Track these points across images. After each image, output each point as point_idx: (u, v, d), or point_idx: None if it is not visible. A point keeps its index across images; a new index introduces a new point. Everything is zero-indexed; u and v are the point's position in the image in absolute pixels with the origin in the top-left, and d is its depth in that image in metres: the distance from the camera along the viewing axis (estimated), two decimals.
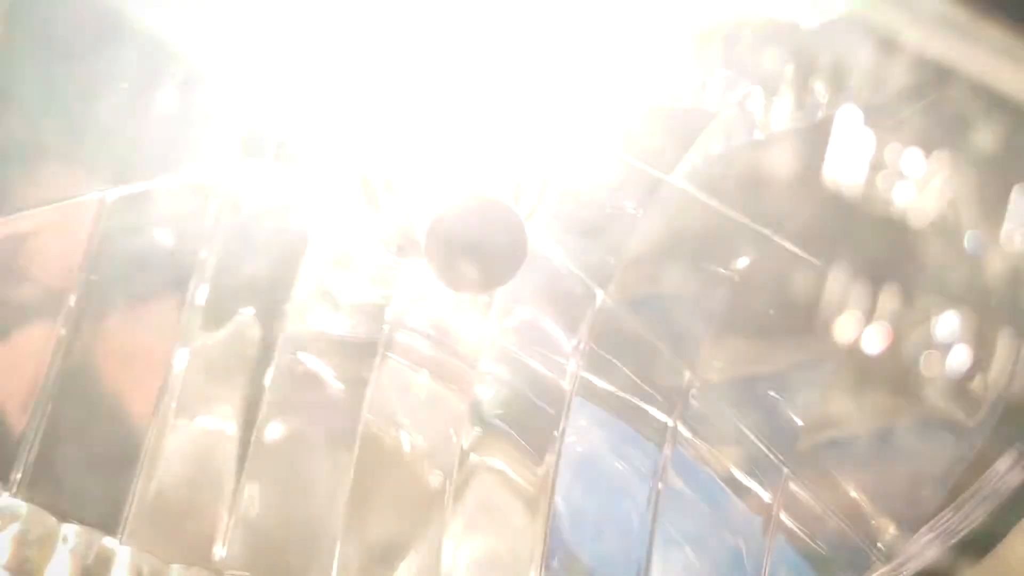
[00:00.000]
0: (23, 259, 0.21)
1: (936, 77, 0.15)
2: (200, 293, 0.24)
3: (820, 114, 0.19)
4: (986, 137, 0.15)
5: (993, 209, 0.15)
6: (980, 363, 0.17)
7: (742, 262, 0.23)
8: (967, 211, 0.15)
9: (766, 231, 0.22)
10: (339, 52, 0.22)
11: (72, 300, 0.22)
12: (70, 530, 0.22)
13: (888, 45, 0.14)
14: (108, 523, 0.22)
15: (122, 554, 0.22)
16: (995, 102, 0.13)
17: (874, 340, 0.18)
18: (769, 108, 0.20)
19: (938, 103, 0.16)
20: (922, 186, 0.15)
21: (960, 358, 0.17)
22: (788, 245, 0.22)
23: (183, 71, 0.22)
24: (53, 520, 0.21)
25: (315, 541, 0.24)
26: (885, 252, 0.18)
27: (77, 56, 0.21)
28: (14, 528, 0.21)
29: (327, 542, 0.24)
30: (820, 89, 0.19)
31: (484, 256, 0.20)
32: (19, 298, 0.21)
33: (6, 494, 0.21)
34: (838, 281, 0.18)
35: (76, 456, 0.22)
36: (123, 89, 0.21)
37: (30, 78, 0.21)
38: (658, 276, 0.24)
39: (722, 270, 0.23)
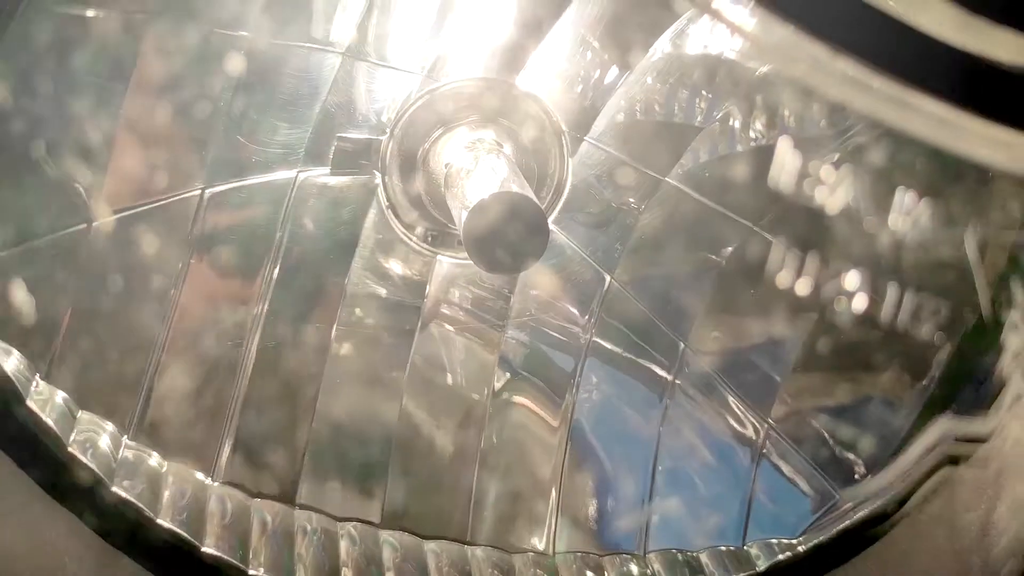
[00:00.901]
0: (146, 242, 0.27)
1: (843, 116, 0.21)
2: (275, 266, 0.30)
3: (773, 138, 0.24)
4: (877, 155, 0.20)
5: (884, 202, 0.20)
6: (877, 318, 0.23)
7: (727, 250, 0.28)
8: (864, 204, 0.21)
9: (747, 223, 0.28)
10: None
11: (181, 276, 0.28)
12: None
13: (810, 95, 0.20)
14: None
15: None
16: (885, 132, 0.19)
17: (803, 290, 0.23)
18: (745, 127, 0.25)
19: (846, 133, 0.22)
20: (834, 188, 0.21)
21: (861, 302, 0.22)
22: (766, 235, 0.27)
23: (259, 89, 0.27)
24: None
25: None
26: (811, 231, 0.24)
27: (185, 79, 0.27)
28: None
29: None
30: (765, 124, 0.25)
31: (512, 244, 0.26)
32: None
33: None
34: (780, 251, 0.24)
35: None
36: (217, 105, 0.27)
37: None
38: (656, 261, 0.29)
39: (712, 256, 0.28)
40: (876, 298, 0.21)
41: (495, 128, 0.31)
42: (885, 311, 0.22)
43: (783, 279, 0.22)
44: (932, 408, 0.23)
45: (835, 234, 0.22)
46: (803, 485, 0.31)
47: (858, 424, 0.25)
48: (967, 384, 0.22)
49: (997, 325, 0.21)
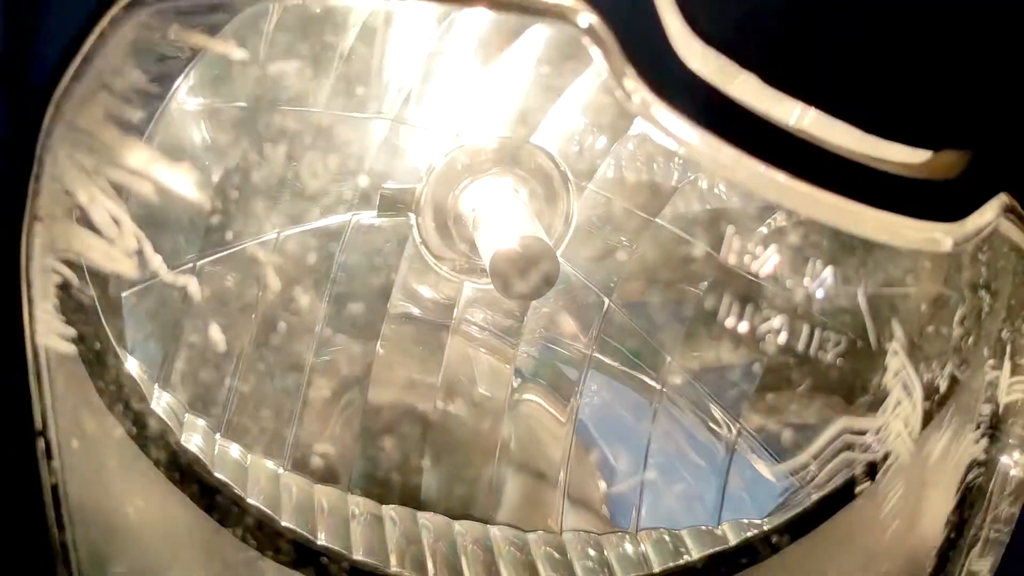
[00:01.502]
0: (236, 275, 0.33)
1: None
2: (331, 290, 0.37)
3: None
4: (795, 235, 0.27)
5: (800, 268, 0.27)
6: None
7: (703, 284, 0.34)
8: (786, 269, 0.28)
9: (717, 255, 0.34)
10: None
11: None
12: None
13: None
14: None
15: None
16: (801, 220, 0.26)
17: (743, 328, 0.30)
18: (709, 189, 0.32)
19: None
20: (764, 259, 0.28)
21: (784, 338, 0.29)
22: (735, 269, 0.33)
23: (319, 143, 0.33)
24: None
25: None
26: (749, 286, 0.32)
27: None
28: None
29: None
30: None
31: (529, 275, 0.32)
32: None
33: None
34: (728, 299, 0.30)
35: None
36: (289, 163, 0.33)
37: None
38: (647, 289, 0.35)
39: (691, 288, 0.34)
40: (794, 335, 0.28)
41: (513, 177, 0.37)
42: (801, 344, 0.28)
43: (730, 321, 0.29)
44: (835, 410, 0.30)
45: (765, 289, 0.29)
46: (768, 474, 0.37)
47: (790, 424, 0.32)
48: (861, 394, 0.29)
49: (882, 352, 0.27)
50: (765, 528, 0.35)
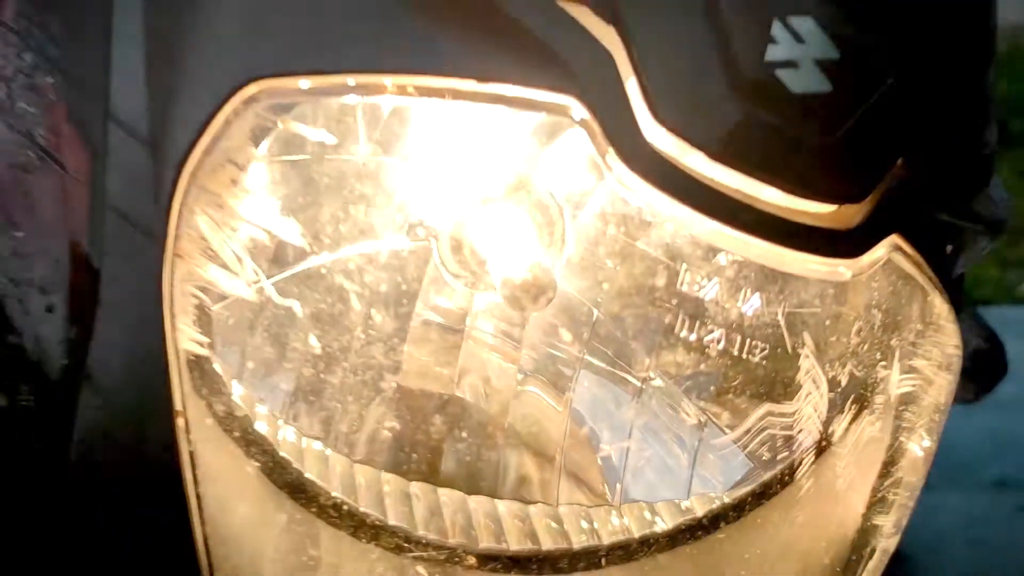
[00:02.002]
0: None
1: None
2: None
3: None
4: (731, 270, 0.35)
5: (735, 295, 0.36)
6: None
7: (675, 298, 0.41)
8: (722, 295, 0.37)
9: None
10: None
11: None
12: None
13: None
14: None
15: None
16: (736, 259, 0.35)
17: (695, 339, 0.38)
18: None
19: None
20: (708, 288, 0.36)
21: (723, 346, 0.38)
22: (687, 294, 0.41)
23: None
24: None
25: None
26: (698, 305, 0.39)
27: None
28: None
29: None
30: None
31: (532, 292, 0.39)
32: None
33: None
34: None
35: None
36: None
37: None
38: (630, 302, 0.42)
39: (656, 307, 0.42)
40: (730, 343, 0.36)
41: (517, 208, 0.42)
42: (735, 350, 0.36)
43: (683, 333, 0.37)
44: (761, 399, 0.38)
45: (709, 309, 0.38)
46: (730, 455, 0.44)
47: (728, 409, 0.40)
48: (780, 387, 0.37)
49: (796, 355, 0.35)
50: (726, 501, 0.42)
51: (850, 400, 0.37)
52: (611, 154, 0.29)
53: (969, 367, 0.52)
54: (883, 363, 0.36)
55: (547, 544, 0.40)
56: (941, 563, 1.84)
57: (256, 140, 0.31)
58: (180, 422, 0.34)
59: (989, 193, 0.37)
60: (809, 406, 0.37)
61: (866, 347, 0.37)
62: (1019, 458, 2.20)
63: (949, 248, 0.35)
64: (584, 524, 0.42)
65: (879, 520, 0.40)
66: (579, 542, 0.41)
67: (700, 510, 0.42)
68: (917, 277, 0.33)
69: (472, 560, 0.40)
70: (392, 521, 0.39)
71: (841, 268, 0.32)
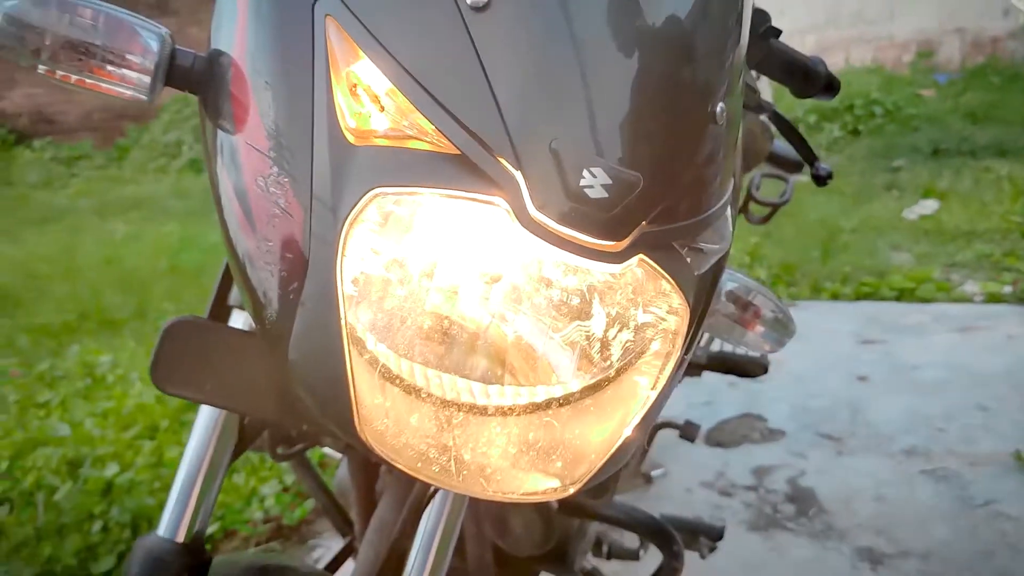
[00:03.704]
0: None
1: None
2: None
3: None
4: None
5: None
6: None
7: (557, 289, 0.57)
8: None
9: None
10: None
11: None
12: None
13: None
14: None
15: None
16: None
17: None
18: None
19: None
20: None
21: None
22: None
23: None
24: None
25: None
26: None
27: None
28: None
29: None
30: None
31: None
32: None
33: None
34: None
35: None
36: None
37: None
38: (539, 289, 0.57)
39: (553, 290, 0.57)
40: (574, 305, 0.55)
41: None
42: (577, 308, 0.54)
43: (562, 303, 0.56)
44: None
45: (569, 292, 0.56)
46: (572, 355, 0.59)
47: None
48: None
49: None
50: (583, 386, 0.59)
51: (617, 326, 0.57)
52: (517, 222, 0.51)
53: (769, 327, 0.84)
54: (635, 309, 0.57)
55: (493, 401, 0.58)
56: (852, 511, 2.23)
57: (381, 213, 0.53)
58: (346, 355, 0.54)
59: (712, 224, 0.59)
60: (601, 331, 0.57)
61: (624, 306, 0.57)
62: (928, 431, 2.65)
63: (688, 258, 0.56)
64: (510, 391, 0.58)
65: (649, 392, 0.61)
66: (510, 400, 0.58)
67: (576, 387, 0.59)
68: (657, 271, 0.55)
69: (460, 409, 0.58)
70: (431, 391, 0.58)
71: (615, 268, 0.53)
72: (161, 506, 0.77)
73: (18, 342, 3.84)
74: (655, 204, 0.53)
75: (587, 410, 0.60)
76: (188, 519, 0.77)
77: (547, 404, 0.59)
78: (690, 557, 1.39)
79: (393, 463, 0.60)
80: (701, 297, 0.61)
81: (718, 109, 0.55)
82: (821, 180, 1.19)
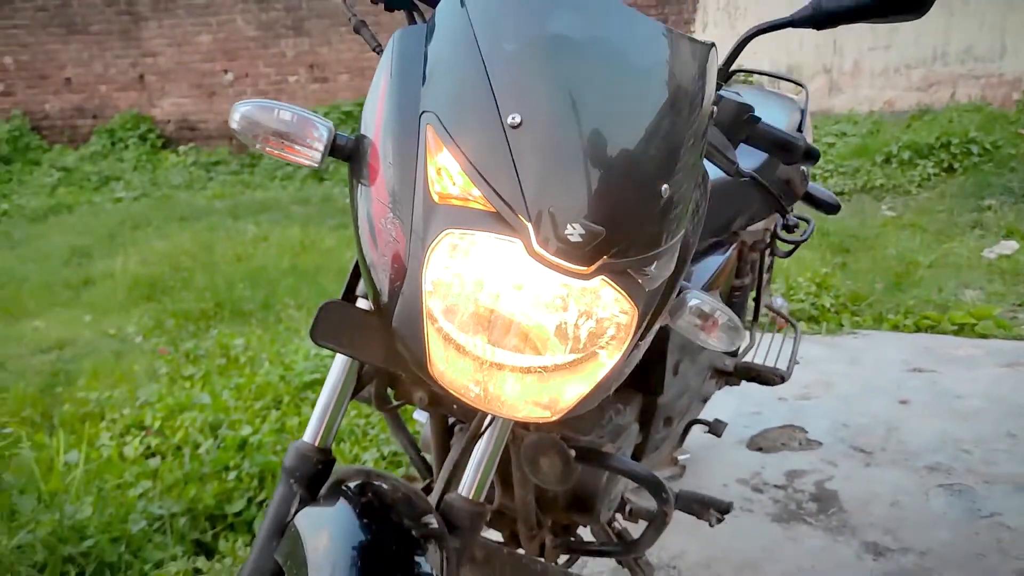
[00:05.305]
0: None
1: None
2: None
3: None
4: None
5: None
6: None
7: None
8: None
9: None
10: None
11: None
12: None
13: None
14: None
15: None
16: None
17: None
18: None
19: None
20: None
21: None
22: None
23: None
24: None
25: None
26: None
27: None
28: None
29: None
30: None
31: None
32: None
33: None
34: None
35: None
36: None
37: None
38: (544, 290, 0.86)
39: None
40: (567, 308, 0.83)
41: None
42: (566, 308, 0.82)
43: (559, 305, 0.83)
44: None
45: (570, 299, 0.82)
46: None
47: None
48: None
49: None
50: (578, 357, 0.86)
51: (584, 317, 0.81)
52: (526, 252, 0.77)
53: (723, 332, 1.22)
54: (596, 308, 0.81)
55: (507, 362, 0.83)
56: (867, 512, 2.47)
57: (450, 244, 0.81)
58: (425, 327, 0.82)
59: (659, 260, 0.85)
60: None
61: (590, 307, 0.81)
62: (954, 451, 2.85)
63: (639, 280, 0.82)
64: (521, 357, 0.84)
65: (608, 361, 0.86)
66: (521, 363, 0.84)
67: (561, 360, 0.85)
68: (613, 287, 0.80)
69: (491, 365, 0.83)
70: (475, 352, 0.84)
71: (586, 284, 0.79)
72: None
73: (166, 324, 4.44)
74: (613, 246, 0.79)
75: (567, 370, 0.86)
76: (322, 431, 1.11)
77: (541, 368, 0.85)
78: (718, 535, 1.63)
79: (449, 389, 0.87)
80: (651, 303, 0.88)
81: (662, 189, 0.83)
82: (788, 229, 1.51)
